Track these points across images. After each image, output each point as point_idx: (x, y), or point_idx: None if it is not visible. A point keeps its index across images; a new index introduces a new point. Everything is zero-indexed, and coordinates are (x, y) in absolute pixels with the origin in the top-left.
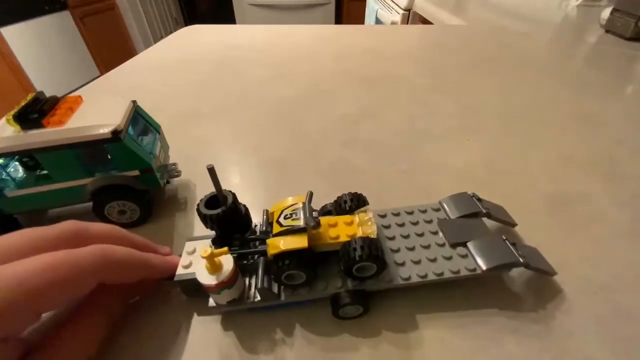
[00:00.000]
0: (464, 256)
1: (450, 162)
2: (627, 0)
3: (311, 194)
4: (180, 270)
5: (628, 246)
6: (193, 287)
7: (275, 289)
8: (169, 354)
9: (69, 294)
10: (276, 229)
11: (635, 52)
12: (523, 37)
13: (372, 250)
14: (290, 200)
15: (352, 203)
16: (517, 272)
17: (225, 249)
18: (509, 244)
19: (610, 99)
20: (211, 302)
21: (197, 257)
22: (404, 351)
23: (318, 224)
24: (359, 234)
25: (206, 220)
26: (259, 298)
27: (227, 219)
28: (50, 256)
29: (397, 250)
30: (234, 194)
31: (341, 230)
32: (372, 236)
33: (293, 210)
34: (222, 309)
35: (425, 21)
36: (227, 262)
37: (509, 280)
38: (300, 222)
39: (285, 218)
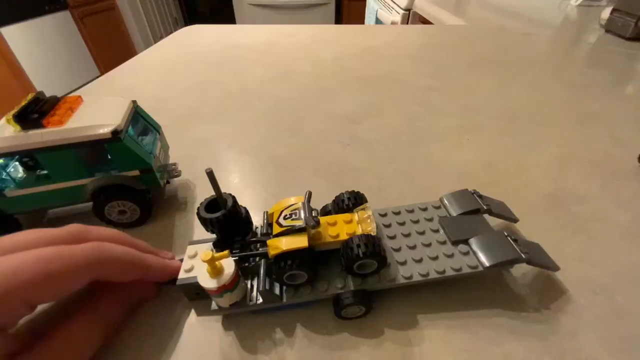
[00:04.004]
0: (466, 253)
1: (450, 162)
2: (627, 0)
3: (310, 194)
4: (182, 275)
5: (628, 246)
6: (195, 291)
7: (277, 290)
8: (169, 353)
9: (62, 287)
10: (276, 229)
11: (635, 52)
12: (523, 37)
13: (372, 247)
14: (289, 201)
15: (351, 201)
16: (519, 272)
17: (226, 252)
18: (511, 240)
19: (610, 98)
20: (213, 305)
21: (199, 261)
22: (405, 351)
23: (318, 223)
24: (359, 231)
25: (207, 223)
26: (261, 300)
27: (228, 222)
28: (45, 250)
29: (399, 249)
30: (233, 197)
31: (341, 228)
32: (372, 233)
33: (292, 211)
34: (225, 312)
35: (425, 21)
36: (229, 265)
37: (511, 280)
38: (300, 222)
39: (284, 218)
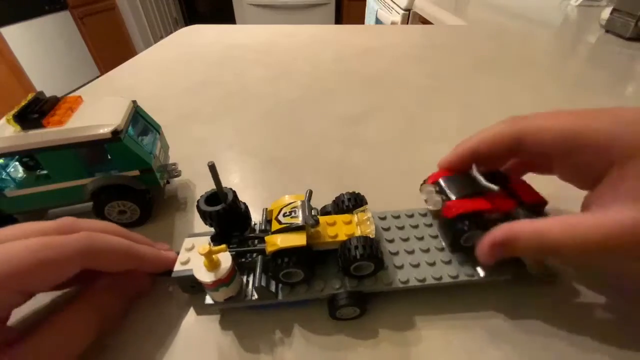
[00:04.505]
0: (464, 261)
1: None
2: (627, 0)
3: (310, 193)
4: (178, 267)
5: None
6: (190, 284)
7: (272, 287)
8: (167, 352)
9: (52, 275)
10: (275, 226)
11: (635, 52)
12: (523, 37)
13: (370, 250)
14: (289, 199)
15: (351, 202)
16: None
17: (224, 246)
18: None
19: (610, 99)
20: (208, 299)
21: (195, 254)
22: (401, 351)
23: (317, 222)
24: (358, 233)
25: (205, 217)
26: (256, 296)
27: (227, 217)
28: (35, 239)
29: (396, 253)
30: (234, 192)
31: (340, 229)
32: (371, 235)
33: (292, 209)
34: (219, 307)
35: (425, 21)
36: (225, 259)
37: (511, 281)
38: (299, 220)
39: (284, 216)
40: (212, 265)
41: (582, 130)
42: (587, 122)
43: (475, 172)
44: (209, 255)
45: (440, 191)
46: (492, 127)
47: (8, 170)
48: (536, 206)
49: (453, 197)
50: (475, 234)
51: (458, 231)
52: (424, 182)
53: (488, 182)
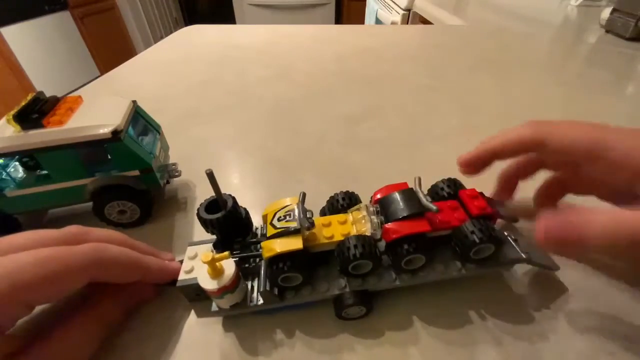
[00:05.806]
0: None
1: (450, 162)
2: (627, 0)
3: (304, 195)
4: (182, 276)
5: None
6: (195, 292)
7: (277, 291)
8: (170, 354)
9: (60, 288)
10: (270, 231)
11: (635, 52)
12: (523, 37)
13: (367, 248)
14: (283, 202)
15: (345, 202)
16: (519, 272)
17: (227, 253)
18: (511, 240)
19: (610, 98)
20: (214, 306)
21: (199, 262)
22: (405, 351)
23: (312, 225)
24: (353, 232)
25: (207, 224)
26: (261, 301)
27: (228, 223)
28: (43, 250)
29: None
30: (234, 198)
31: (335, 229)
32: (367, 234)
33: (287, 212)
34: (225, 313)
35: (425, 21)
36: (229, 266)
37: (511, 279)
38: (294, 224)
39: (278, 220)
40: (216, 272)
41: (608, 140)
42: (613, 136)
43: (417, 189)
44: (212, 263)
45: (380, 212)
46: (514, 129)
47: (8, 170)
48: (486, 219)
49: (390, 220)
50: (416, 258)
51: (397, 255)
52: (371, 198)
53: (428, 202)
